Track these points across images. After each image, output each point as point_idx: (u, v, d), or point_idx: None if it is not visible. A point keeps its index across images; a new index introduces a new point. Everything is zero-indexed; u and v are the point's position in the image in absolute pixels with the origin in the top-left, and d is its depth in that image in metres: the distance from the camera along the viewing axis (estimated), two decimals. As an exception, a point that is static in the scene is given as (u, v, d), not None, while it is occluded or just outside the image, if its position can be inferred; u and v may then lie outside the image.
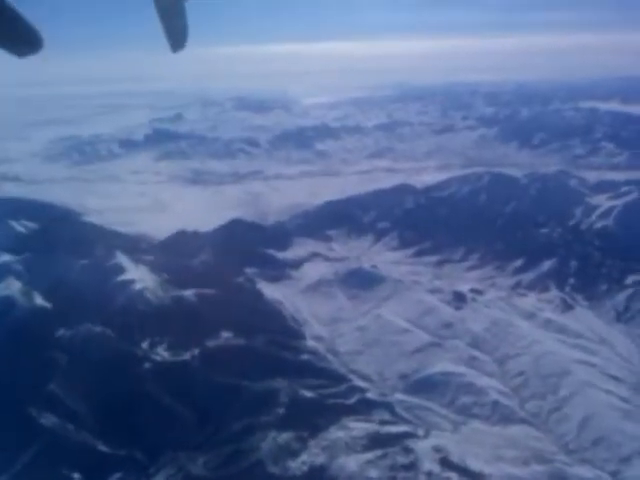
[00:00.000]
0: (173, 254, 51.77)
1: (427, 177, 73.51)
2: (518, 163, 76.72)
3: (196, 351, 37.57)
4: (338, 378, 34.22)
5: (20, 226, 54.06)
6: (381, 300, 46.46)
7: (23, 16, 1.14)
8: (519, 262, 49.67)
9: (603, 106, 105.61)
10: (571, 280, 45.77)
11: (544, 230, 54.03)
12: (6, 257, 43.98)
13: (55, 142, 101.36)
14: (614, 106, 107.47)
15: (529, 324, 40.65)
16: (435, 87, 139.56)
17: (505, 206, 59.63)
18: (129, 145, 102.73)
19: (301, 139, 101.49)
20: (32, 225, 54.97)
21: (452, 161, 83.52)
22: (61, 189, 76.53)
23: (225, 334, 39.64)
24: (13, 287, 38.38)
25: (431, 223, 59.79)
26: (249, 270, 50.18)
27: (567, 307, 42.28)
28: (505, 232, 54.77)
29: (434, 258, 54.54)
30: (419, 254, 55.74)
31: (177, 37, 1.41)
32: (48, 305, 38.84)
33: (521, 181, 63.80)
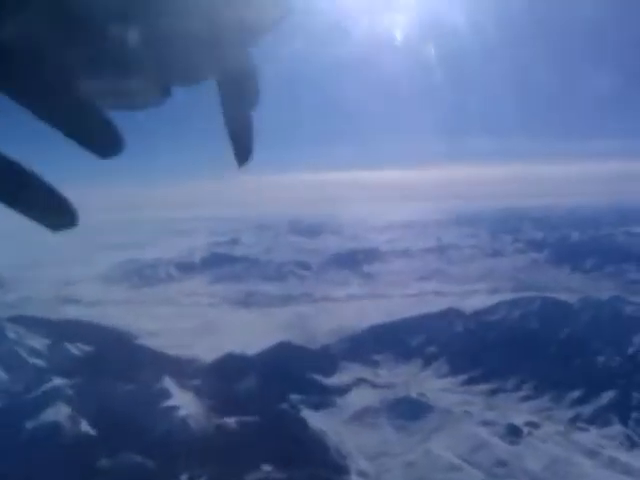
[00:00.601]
0: (219, 378, 52.02)
1: (476, 301, 72.49)
2: (570, 288, 74.94)
3: (235, 485, 36.65)
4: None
5: (75, 349, 56.07)
6: (430, 432, 44.42)
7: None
8: (577, 393, 46.99)
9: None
10: (634, 414, 42.71)
11: (601, 358, 51.52)
12: (58, 381, 45.41)
13: (117, 265, 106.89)
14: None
15: (591, 463, 37.68)
16: (484, 212, 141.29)
17: (558, 332, 57.59)
18: (186, 268, 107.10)
19: (350, 262, 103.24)
20: (87, 348, 56.87)
21: (502, 285, 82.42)
22: (119, 311, 79.45)
23: (266, 467, 38.55)
24: (61, 413, 39.28)
25: (481, 349, 58.15)
26: (294, 396, 49.55)
27: (632, 444, 39.15)
28: (560, 360, 52.45)
29: (486, 387, 52.41)
30: (470, 382, 53.74)
31: (243, 148, 1.44)
32: (93, 432, 39.24)
33: (574, 306, 62.00)
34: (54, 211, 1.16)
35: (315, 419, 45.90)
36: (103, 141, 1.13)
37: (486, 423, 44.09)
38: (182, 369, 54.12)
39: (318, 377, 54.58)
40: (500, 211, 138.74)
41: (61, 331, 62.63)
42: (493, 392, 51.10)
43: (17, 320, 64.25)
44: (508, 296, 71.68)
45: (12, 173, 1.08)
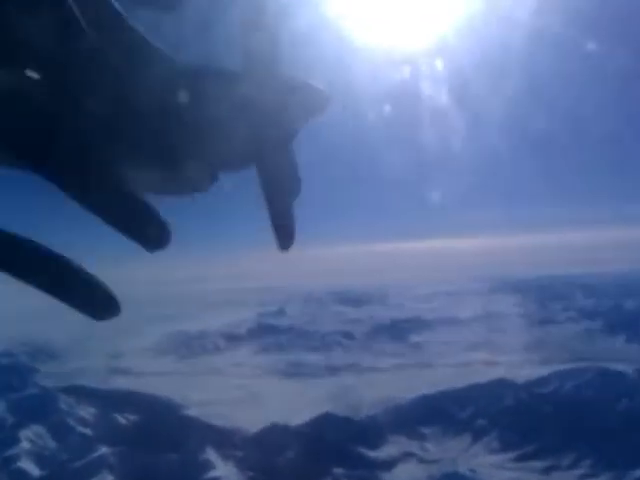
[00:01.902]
0: (262, 449, 51.46)
1: (528, 371, 69.95)
2: (627, 358, 71.52)
3: None
4: None
5: (122, 418, 56.94)
6: (479, 510, 42.38)
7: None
8: (639, 472, 44.04)
9: None
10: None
11: (664, 433, 48.43)
12: (104, 449, 46.11)
13: (166, 337, 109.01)
14: None
15: None
16: (531, 279, 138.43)
17: (615, 404, 54.70)
18: (233, 339, 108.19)
19: (396, 331, 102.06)
20: (133, 417, 57.68)
21: (554, 355, 79.40)
22: (167, 382, 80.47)
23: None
24: (106, 481, 39.68)
25: (534, 422, 55.60)
26: (337, 470, 48.35)
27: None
28: (619, 435, 49.52)
29: (540, 463, 49.73)
30: (522, 458, 51.15)
31: (285, 236, 1.44)
32: (136, 502, 39.32)
33: (631, 376, 59.10)
34: (95, 301, 1.14)
35: (359, 494, 44.60)
36: (150, 234, 1.11)
37: (540, 502, 41.76)
38: (225, 440, 53.85)
39: (363, 450, 53.25)
40: (547, 279, 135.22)
41: (110, 401, 63.84)
42: (548, 470, 48.60)
43: (69, 390, 66.00)
44: (561, 366, 68.88)
45: (47, 262, 1.09)
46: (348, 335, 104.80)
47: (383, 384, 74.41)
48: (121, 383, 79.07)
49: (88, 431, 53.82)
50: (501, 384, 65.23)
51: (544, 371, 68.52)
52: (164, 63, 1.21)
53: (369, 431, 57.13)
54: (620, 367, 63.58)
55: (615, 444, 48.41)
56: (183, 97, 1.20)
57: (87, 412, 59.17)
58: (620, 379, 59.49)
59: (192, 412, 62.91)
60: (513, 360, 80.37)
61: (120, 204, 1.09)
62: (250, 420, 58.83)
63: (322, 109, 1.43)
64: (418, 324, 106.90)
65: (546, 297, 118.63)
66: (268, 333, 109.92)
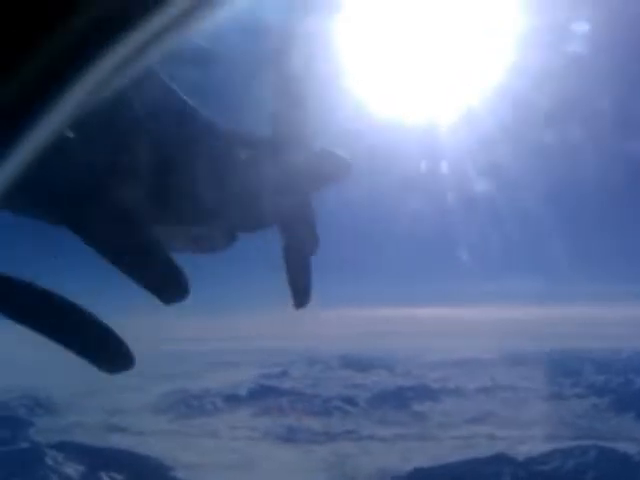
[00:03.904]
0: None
1: (530, 447, 67.66)
2: (633, 437, 68.81)
3: None
4: None
5: (108, 478, 55.72)
6: None
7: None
8: None
9: None
10: None
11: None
12: (83, 509, 44.86)
13: (166, 395, 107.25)
14: None
15: None
16: (541, 353, 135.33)
17: (616, 487, 52.33)
18: (232, 400, 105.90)
19: (399, 399, 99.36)
20: (119, 477, 56.44)
21: (559, 431, 76.85)
22: (160, 442, 78.99)
23: None
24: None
25: (532, 502, 53.28)
26: None
27: None
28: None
29: None
30: (517, 540, 48.73)
31: (301, 294, 1.42)
32: None
33: (634, 459, 56.68)
34: (109, 353, 1.10)
35: None
36: (167, 286, 1.09)
37: None
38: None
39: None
40: (558, 353, 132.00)
41: (99, 459, 62.65)
42: None
43: (59, 447, 64.99)
44: (564, 444, 66.49)
45: (67, 311, 1.04)
46: (350, 401, 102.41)
47: (381, 454, 72.11)
48: (115, 441, 77.53)
49: (71, 490, 52.65)
50: (501, 459, 62.89)
51: (546, 448, 66.09)
52: (202, 127, 1.24)
53: (360, 504, 55.02)
54: (625, 447, 61.11)
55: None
56: (209, 158, 1.23)
57: (74, 469, 58.17)
58: (621, 460, 57.09)
59: (181, 474, 61.38)
60: (516, 435, 77.62)
61: (138, 251, 1.07)
62: (239, 486, 57.10)
63: (343, 176, 1.48)
64: (423, 393, 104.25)
65: (556, 371, 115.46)
66: (269, 395, 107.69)
